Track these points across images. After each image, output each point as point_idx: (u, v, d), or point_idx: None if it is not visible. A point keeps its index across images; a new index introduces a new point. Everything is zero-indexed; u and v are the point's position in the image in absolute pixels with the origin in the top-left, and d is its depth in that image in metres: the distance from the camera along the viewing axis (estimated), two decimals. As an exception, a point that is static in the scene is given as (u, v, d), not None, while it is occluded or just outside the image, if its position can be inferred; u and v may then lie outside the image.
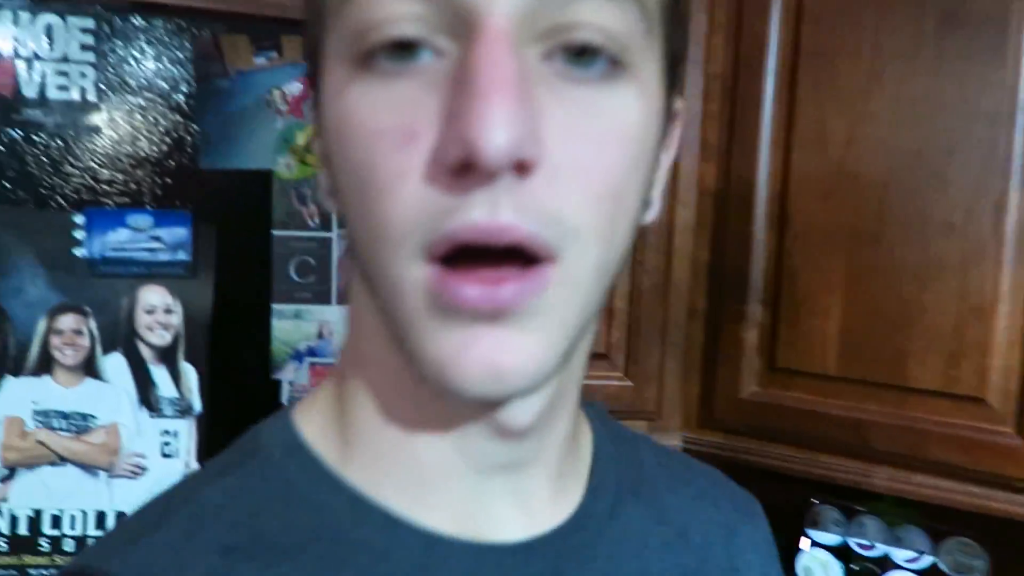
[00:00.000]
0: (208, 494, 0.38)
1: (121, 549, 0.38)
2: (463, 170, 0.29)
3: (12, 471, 0.81)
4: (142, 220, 0.80)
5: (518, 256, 0.31)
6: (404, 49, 0.31)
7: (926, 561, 0.99)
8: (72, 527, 0.82)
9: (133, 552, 0.37)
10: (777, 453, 0.95)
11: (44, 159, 0.79)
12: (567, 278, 0.32)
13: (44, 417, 0.81)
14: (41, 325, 0.81)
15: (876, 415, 0.88)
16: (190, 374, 0.84)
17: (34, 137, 0.79)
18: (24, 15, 0.77)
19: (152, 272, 0.82)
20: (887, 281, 0.88)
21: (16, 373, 0.81)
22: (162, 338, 0.82)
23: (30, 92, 0.79)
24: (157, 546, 0.37)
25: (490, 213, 0.30)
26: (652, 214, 0.39)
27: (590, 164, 0.32)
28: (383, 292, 0.33)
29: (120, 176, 0.81)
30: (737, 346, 0.97)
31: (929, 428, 0.87)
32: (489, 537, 0.39)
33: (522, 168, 0.30)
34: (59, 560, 0.81)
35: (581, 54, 0.32)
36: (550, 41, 0.31)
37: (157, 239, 0.81)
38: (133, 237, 0.80)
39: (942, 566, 0.98)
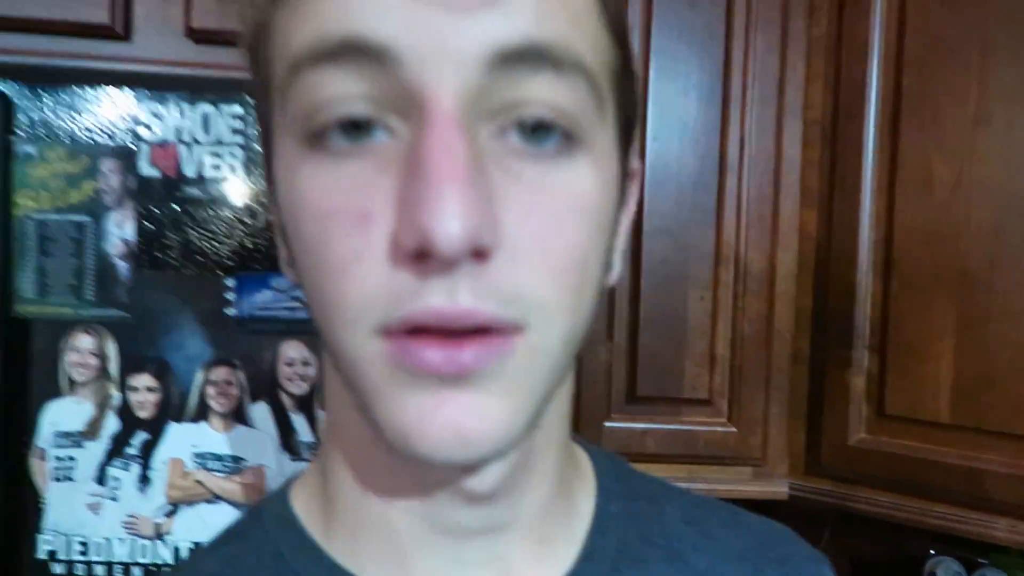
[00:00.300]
0: (206, 564, 0.42)
1: None
2: (420, 256, 0.29)
3: (175, 507, 0.92)
4: (283, 282, 0.89)
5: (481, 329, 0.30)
6: (356, 128, 0.30)
7: (1054, 616, 0.95)
8: (224, 558, 0.91)
9: None
10: (888, 501, 0.94)
11: (201, 231, 0.90)
12: (533, 348, 0.31)
13: (201, 459, 0.91)
14: (198, 377, 0.91)
15: (994, 464, 0.87)
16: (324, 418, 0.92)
17: (192, 212, 0.89)
18: (185, 106, 0.88)
19: (292, 329, 0.90)
20: (1000, 327, 0.87)
21: (178, 420, 0.91)
22: (300, 388, 0.90)
23: (189, 172, 0.89)
24: None
25: (449, 298, 0.29)
26: (614, 276, 0.39)
27: (550, 241, 0.31)
28: (343, 365, 0.33)
29: (264, 244, 0.90)
30: (843, 392, 0.97)
31: (1052, 478, 0.85)
32: None
33: (480, 254, 0.29)
34: (212, 588, 0.91)
35: (534, 130, 0.31)
36: (502, 118, 0.31)
37: (296, 299, 0.90)
38: (275, 298, 0.90)
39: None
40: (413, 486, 0.37)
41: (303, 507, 0.41)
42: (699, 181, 1.07)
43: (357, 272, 0.30)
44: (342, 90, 0.30)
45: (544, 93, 0.31)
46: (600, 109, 0.33)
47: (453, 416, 0.30)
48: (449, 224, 0.27)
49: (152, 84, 0.90)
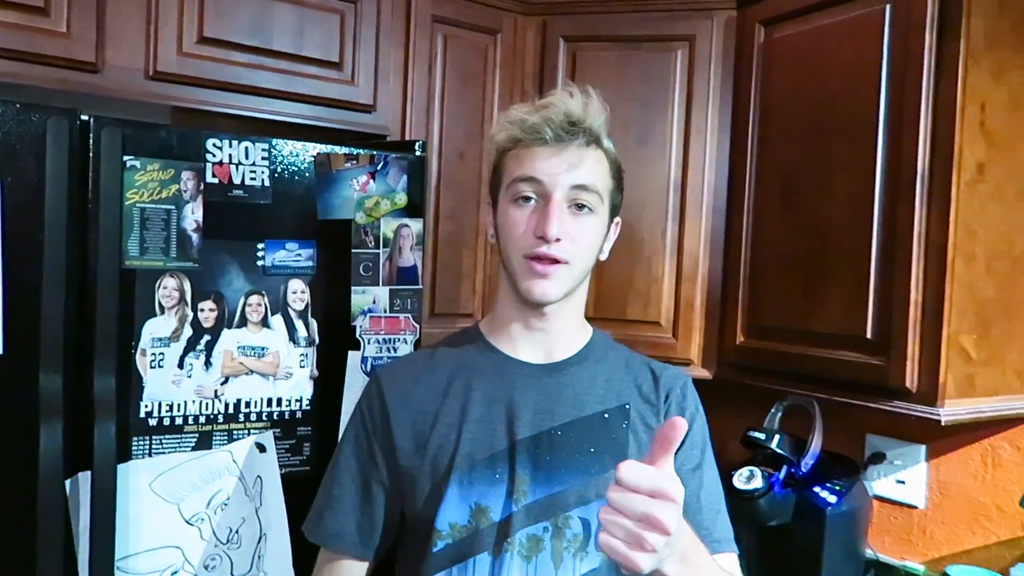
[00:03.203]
0: (443, 347, 1.26)
1: (388, 364, 1.26)
2: (542, 238, 1.15)
3: (226, 379, 1.47)
4: (291, 245, 1.51)
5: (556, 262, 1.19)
6: (526, 199, 1.15)
7: None
8: (256, 407, 1.51)
9: (391, 364, 1.25)
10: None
11: (243, 216, 1.47)
12: (570, 271, 1.17)
13: (242, 350, 1.48)
14: (241, 301, 1.47)
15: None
16: (313, 324, 1.55)
17: (237, 204, 1.47)
18: (234, 142, 1.45)
19: (295, 272, 1.52)
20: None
21: (228, 327, 1.46)
22: (300, 305, 1.54)
23: (236, 180, 1.45)
24: (407, 360, 1.25)
25: (548, 249, 1.14)
26: (604, 255, 1.26)
27: (582, 240, 1.18)
28: (509, 267, 1.19)
29: (280, 223, 1.52)
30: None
31: None
32: (532, 361, 1.22)
33: (559, 240, 1.14)
34: (250, 426, 1.50)
35: (580, 207, 1.17)
36: (571, 203, 1.17)
37: (298, 255, 1.53)
38: (287, 255, 1.51)
39: None
40: (522, 313, 1.21)
41: (484, 324, 1.25)
42: (470, 188, 1.96)
43: (519, 239, 1.16)
44: (526, 188, 1.16)
45: (585, 198, 1.15)
46: (602, 203, 1.19)
47: (543, 287, 1.16)
48: (553, 231, 1.14)
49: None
